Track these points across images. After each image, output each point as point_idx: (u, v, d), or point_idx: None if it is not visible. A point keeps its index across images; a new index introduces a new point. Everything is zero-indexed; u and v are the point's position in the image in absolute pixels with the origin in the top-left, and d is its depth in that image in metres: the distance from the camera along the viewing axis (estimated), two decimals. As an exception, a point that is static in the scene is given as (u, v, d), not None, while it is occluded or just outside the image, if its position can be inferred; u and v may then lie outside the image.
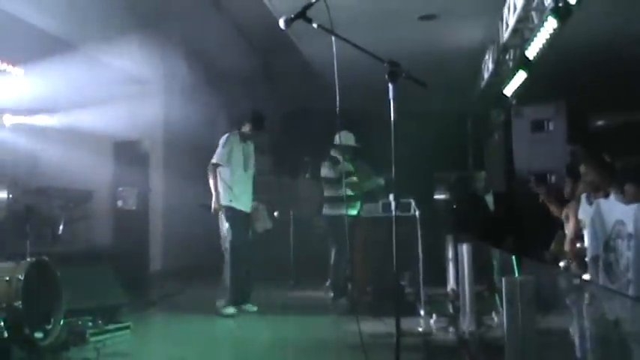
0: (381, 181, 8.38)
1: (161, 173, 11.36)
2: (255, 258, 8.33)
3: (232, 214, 8.00)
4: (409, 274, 7.78)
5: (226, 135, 8.22)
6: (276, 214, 10.58)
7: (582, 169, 5.75)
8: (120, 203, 11.01)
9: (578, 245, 6.32)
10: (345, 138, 8.46)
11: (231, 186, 8.04)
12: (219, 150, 8.11)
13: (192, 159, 10.44)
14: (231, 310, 7.93)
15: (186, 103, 10.88)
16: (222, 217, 8.04)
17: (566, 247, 6.50)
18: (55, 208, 8.61)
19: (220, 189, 7.98)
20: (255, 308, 8.16)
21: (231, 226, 7.95)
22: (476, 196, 8.44)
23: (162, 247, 11.59)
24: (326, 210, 8.63)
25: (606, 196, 5.19)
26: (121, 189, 11.07)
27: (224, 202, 7.98)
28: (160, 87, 11.56)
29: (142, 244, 11.02)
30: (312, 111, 13.37)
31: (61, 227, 8.20)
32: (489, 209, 8.74)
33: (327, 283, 8.77)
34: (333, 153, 8.64)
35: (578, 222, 6.23)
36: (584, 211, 6.05)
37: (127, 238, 10.73)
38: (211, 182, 8.01)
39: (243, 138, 8.24)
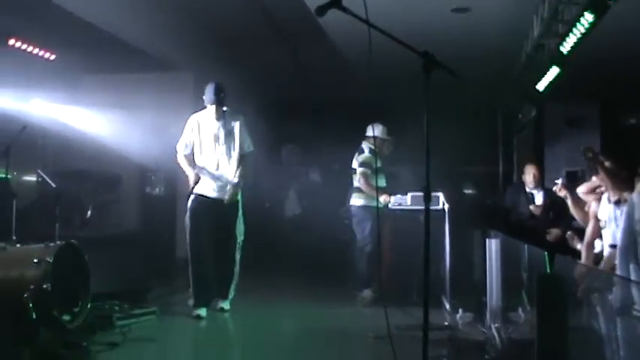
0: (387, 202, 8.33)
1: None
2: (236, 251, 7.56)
3: (197, 201, 7.42)
4: (436, 268, 7.74)
5: (194, 115, 7.59)
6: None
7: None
8: (148, 188, 11.08)
9: (595, 250, 6.31)
10: (377, 130, 8.46)
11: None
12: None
13: None
14: (198, 311, 7.16)
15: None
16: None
17: (583, 249, 6.46)
18: (84, 191, 8.67)
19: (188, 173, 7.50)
20: (222, 305, 7.39)
21: (190, 215, 7.37)
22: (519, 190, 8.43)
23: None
24: (354, 200, 8.64)
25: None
26: (149, 174, 11.14)
27: (196, 189, 7.44)
28: (190, 73, 11.56)
29: (169, 230, 11.08)
30: (342, 102, 13.36)
31: (89, 211, 8.26)
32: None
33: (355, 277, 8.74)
34: (365, 144, 8.61)
35: (597, 221, 6.22)
36: (604, 210, 6.02)
37: (154, 224, 10.80)
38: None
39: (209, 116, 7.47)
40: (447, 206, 7.76)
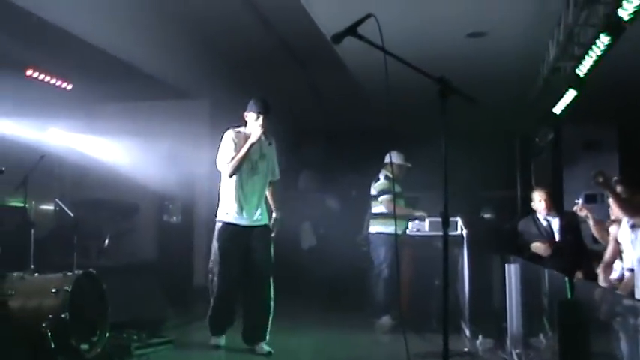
0: (422, 217, 8.32)
1: (206, 186, 11.28)
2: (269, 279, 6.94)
3: (226, 230, 6.74)
4: (455, 294, 7.70)
5: (230, 130, 6.79)
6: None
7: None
8: (165, 216, 11.09)
9: (612, 276, 6.25)
10: (395, 157, 8.55)
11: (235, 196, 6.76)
12: (224, 149, 6.73)
13: None
14: (216, 340, 6.84)
15: (233, 116, 10.92)
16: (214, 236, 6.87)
17: (600, 270, 6.41)
18: (102, 220, 8.70)
19: (221, 200, 6.81)
20: (268, 349, 6.70)
21: (219, 247, 6.73)
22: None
23: (206, 261, 11.41)
24: (372, 227, 8.70)
25: None
26: (166, 202, 11.17)
27: (219, 216, 6.79)
28: (206, 101, 11.63)
29: (187, 258, 11.12)
30: (359, 128, 13.38)
31: (107, 240, 8.28)
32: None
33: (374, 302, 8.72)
34: (383, 172, 8.72)
35: (616, 244, 6.17)
36: (624, 233, 5.98)
37: (172, 252, 10.81)
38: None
39: (248, 137, 6.73)
40: (465, 231, 7.72)
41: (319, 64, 10.58)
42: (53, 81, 9.36)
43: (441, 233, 3.70)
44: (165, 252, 10.92)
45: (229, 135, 6.65)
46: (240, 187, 6.62)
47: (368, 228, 8.83)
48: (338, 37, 3.70)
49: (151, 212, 11.19)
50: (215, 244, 6.69)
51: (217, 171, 11.10)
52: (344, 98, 12.21)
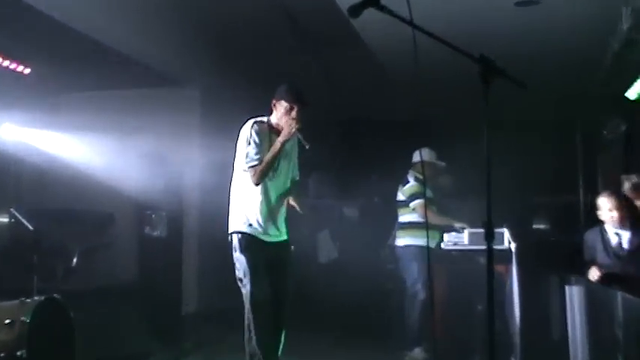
0: (462, 228, 8.31)
1: (197, 192, 11.41)
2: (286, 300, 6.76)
3: (248, 243, 6.43)
4: (502, 321, 7.65)
5: (251, 122, 6.39)
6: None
7: None
8: (147, 229, 11.08)
9: None
10: (424, 154, 8.61)
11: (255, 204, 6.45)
12: (245, 147, 6.32)
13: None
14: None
15: (228, 108, 10.89)
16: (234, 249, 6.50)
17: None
18: (69, 234, 8.67)
19: (234, 208, 6.50)
20: None
21: (247, 261, 6.35)
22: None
23: (198, 284, 11.56)
24: (400, 239, 8.80)
25: None
26: (148, 212, 11.15)
27: (236, 227, 6.45)
28: (196, 89, 11.69)
29: (174, 280, 11.12)
30: (381, 122, 13.33)
31: (75, 259, 8.26)
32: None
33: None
34: (410, 173, 8.77)
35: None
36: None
37: (156, 273, 10.80)
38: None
39: (275, 129, 6.44)
40: (514, 245, 7.69)
41: (332, 43, 10.50)
42: (6, 64, 9.25)
43: (483, 247, 3.65)
44: (148, 272, 10.88)
45: (252, 128, 6.27)
46: (265, 193, 6.33)
47: (394, 240, 8.90)
48: (356, 10, 3.67)
49: (129, 224, 11.16)
50: (241, 255, 6.29)
51: (213, 174, 11.25)
52: (362, 84, 12.13)
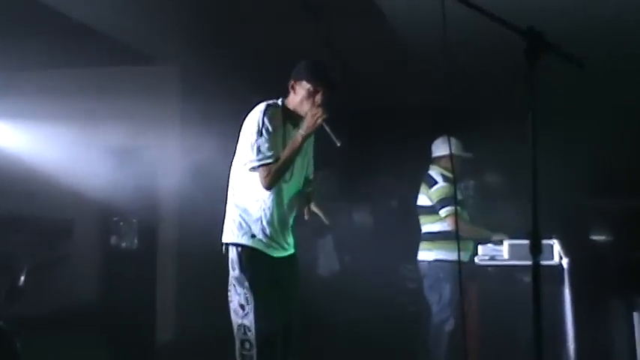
0: (500, 240, 8.24)
1: (175, 195, 11.28)
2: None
3: (252, 260, 6.16)
4: (555, 353, 7.54)
5: (262, 107, 6.03)
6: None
7: None
8: (114, 239, 11.05)
9: None
10: (450, 146, 8.38)
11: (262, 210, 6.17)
12: (255, 139, 5.94)
13: (224, 173, 10.29)
14: None
15: (215, 90, 10.81)
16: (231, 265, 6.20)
17: None
18: (16, 246, 8.64)
19: (233, 214, 6.19)
20: None
21: (250, 284, 6.08)
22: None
23: (175, 307, 11.51)
24: (425, 252, 8.70)
25: None
26: (115, 218, 11.11)
27: (235, 238, 6.14)
28: (174, 68, 11.66)
29: (147, 302, 11.09)
30: (399, 108, 13.29)
31: (23, 277, 8.22)
32: None
33: None
34: (434, 170, 8.66)
35: None
36: None
37: (124, 293, 10.76)
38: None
39: (291, 116, 6.14)
40: (566, 261, 7.64)
41: (340, 11, 10.42)
42: None
43: (528, 263, 3.53)
44: (115, 292, 10.90)
45: (264, 115, 5.90)
46: (277, 197, 6.02)
47: (418, 253, 8.79)
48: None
49: (92, 233, 11.20)
50: (242, 275, 6.00)
51: (196, 172, 11.20)
52: (377, 63, 12.07)
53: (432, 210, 8.59)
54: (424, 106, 10.26)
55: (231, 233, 6.06)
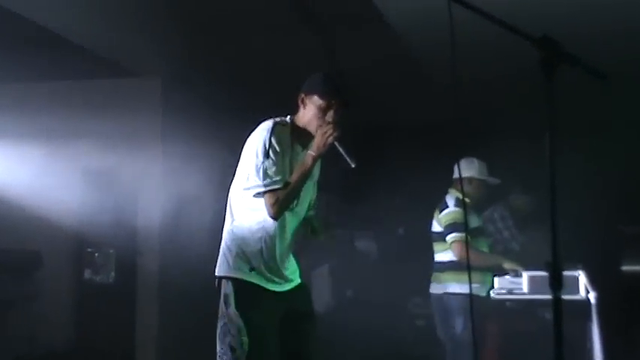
0: (515, 270, 8.17)
1: (158, 222, 11.23)
2: None
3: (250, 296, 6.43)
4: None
5: (269, 124, 5.94)
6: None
7: None
8: (88, 273, 10.99)
9: None
10: (469, 167, 8.49)
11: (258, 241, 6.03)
12: (261, 161, 5.82)
13: (211, 196, 10.29)
14: None
15: (196, 105, 10.78)
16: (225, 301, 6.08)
17: None
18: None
19: (230, 244, 6.04)
20: None
21: (247, 325, 5.94)
22: None
23: (156, 351, 11.41)
24: (433, 285, 8.69)
25: None
26: (90, 249, 11.05)
27: (231, 271, 6.01)
28: (155, 81, 11.65)
29: (125, 345, 11.02)
30: (408, 125, 13.26)
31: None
32: None
33: None
34: (451, 194, 8.62)
35: None
36: None
37: (100, 335, 10.74)
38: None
39: (300, 134, 6.06)
40: (593, 295, 7.51)
41: (346, 22, 10.39)
42: None
43: (549, 297, 3.47)
44: (89, 334, 10.86)
45: (271, 134, 5.80)
46: (282, 226, 5.92)
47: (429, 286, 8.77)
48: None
49: (63, 267, 11.13)
50: (237, 314, 5.85)
51: (181, 197, 11.14)
52: (383, 75, 12.03)
53: (441, 236, 8.56)
54: (435, 122, 10.21)
55: (227, 265, 5.92)
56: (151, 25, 10.28)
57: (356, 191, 12.69)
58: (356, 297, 11.98)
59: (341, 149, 5.64)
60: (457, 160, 8.26)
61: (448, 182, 8.66)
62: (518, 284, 7.94)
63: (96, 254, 11.31)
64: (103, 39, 10.12)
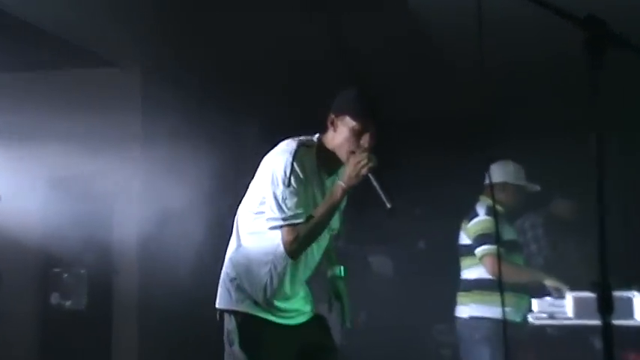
0: (556, 290, 8.12)
1: (136, 238, 11.21)
2: None
3: (256, 333, 6.07)
4: None
5: (292, 146, 5.80)
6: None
7: None
8: (56, 297, 10.96)
9: None
10: (502, 172, 8.45)
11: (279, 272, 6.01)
12: (280, 190, 5.69)
13: (198, 208, 10.35)
14: None
15: (181, 101, 10.76)
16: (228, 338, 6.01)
17: None
18: None
19: (233, 272, 6.00)
20: None
21: None
22: None
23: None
24: (463, 307, 8.62)
25: None
26: (57, 270, 11.03)
27: (233, 304, 5.99)
28: (134, 71, 11.70)
29: None
30: (428, 120, 13.23)
31: None
32: None
33: None
34: (482, 202, 8.57)
35: None
36: None
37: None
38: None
39: (327, 159, 5.98)
40: None
41: (357, 5, 10.37)
42: None
43: (597, 322, 3.41)
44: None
45: (293, 158, 5.67)
46: (294, 263, 5.85)
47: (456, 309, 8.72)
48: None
49: (26, 290, 11.07)
50: (240, 352, 5.86)
51: (164, 209, 11.08)
52: (397, 64, 12.03)
53: (469, 250, 8.49)
54: (463, 118, 10.15)
55: (228, 296, 5.90)
56: (127, 12, 10.30)
57: (369, 202, 12.61)
58: (369, 323, 11.99)
59: (376, 184, 5.49)
60: (489, 163, 8.19)
61: (479, 188, 8.63)
62: (561, 307, 7.90)
63: (64, 275, 11.27)
64: (74, 26, 10.15)
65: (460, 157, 8.34)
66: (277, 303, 5.83)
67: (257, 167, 5.89)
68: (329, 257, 6.35)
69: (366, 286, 12.20)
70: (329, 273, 6.35)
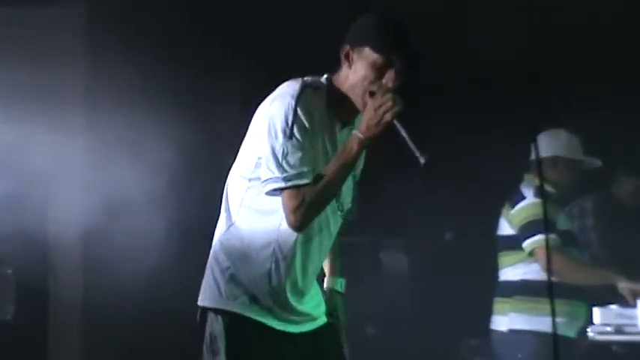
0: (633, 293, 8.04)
1: (78, 228, 11.01)
2: None
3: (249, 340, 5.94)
4: None
5: (295, 87, 5.49)
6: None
7: None
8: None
9: None
10: (553, 144, 8.29)
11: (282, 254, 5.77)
12: (280, 142, 5.46)
13: (155, 191, 10.09)
14: None
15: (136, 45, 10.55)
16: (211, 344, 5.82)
17: None
18: None
19: (223, 259, 5.67)
20: None
21: None
22: None
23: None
24: (502, 320, 8.50)
25: None
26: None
27: (222, 301, 5.74)
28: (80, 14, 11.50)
29: None
30: (448, 82, 13.08)
31: None
32: None
33: None
34: (529, 181, 8.42)
35: None
36: None
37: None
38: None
39: (341, 105, 5.66)
40: None
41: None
42: None
43: None
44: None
45: (295, 102, 5.37)
46: (305, 239, 5.58)
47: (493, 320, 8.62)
48: None
49: None
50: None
51: (112, 189, 10.87)
52: (432, 16, 11.88)
53: (512, 243, 8.38)
54: (503, 77, 10.02)
55: (216, 291, 5.63)
56: None
57: (384, 185, 12.48)
58: (380, 336, 11.87)
59: (404, 133, 5.16)
60: (536, 133, 7.97)
61: (524, 165, 8.43)
62: (632, 318, 7.70)
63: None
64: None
65: (500, 126, 8.05)
66: (289, 297, 5.58)
67: (239, 141, 5.58)
68: (332, 261, 6.16)
69: (377, 290, 12.03)
70: (326, 284, 6.12)
